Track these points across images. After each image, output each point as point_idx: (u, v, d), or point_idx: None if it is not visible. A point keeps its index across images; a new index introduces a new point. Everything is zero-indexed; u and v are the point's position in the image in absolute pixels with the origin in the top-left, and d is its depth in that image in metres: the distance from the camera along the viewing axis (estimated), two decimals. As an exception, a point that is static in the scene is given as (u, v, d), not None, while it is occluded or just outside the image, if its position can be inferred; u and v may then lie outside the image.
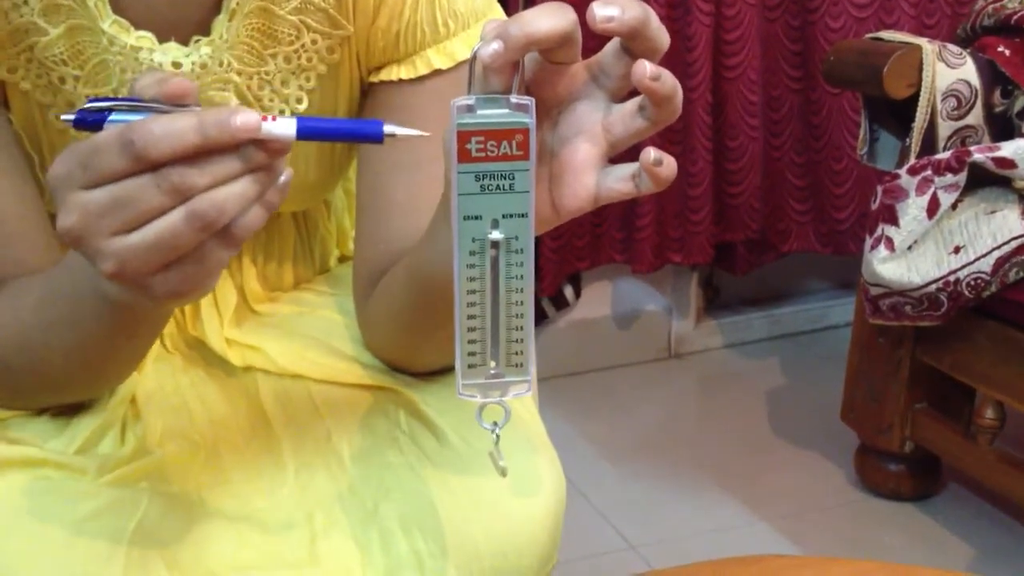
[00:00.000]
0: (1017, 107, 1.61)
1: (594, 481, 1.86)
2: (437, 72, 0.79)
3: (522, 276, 0.59)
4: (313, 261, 0.97)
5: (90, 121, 0.55)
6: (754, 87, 2.09)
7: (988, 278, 1.48)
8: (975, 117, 1.60)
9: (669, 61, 0.58)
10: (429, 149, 0.70)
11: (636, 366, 2.29)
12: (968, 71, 1.59)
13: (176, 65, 0.75)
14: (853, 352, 1.78)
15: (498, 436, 0.64)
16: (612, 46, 0.60)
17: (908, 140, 1.59)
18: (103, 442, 0.78)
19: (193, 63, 0.76)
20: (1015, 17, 1.62)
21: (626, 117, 0.60)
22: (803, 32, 2.09)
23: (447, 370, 0.82)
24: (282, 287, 0.95)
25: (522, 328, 0.60)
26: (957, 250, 1.49)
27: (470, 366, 0.60)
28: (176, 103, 0.55)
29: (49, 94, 0.77)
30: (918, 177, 1.52)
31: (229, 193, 0.53)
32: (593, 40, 0.58)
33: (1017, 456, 1.61)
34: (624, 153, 0.62)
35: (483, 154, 0.57)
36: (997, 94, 1.61)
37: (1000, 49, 1.62)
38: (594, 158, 0.61)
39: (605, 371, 2.26)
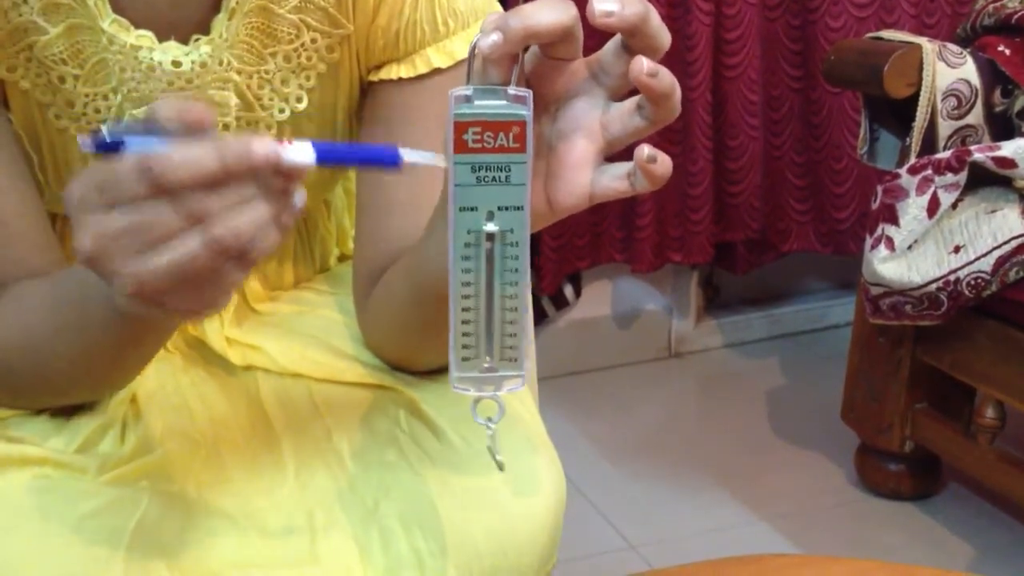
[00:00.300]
0: (1017, 106, 1.61)
1: (594, 480, 1.86)
2: (437, 71, 0.79)
3: (517, 269, 0.59)
4: (313, 260, 0.97)
5: (109, 146, 0.54)
6: (754, 86, 2.09)
7: (988, 277, 1.48)
8: (975, 116, 1.60)
9: (669, 60, 0.58)
10: (429, 146, 0.70)
11: (636, 365, 2.29)
12: (968, 70, 1.59)
13: (176, 64, 0.75)
14: (853, 352, 1.78)
15: (492, 430, 0.64)
16: (613, 44, 0.60)
17: (908, 140, 1.59)
18: (103, 441, 0.78)
19: (193, 62, 0.76)
20: (1015, 16, 1.62)
21: (624, 115, 0.60)
22: (803, 31, 2.09)
23: (447, 369, 0.82)
24: (282, 286, 0.95)
25: (516, 322, 0.60)
26: (957, 249, 1.49)
27: (464, 359, 0.61)
28: (194, 130, 0.54)
29: (48, 93, 0.77)
30: (918, 177, 1.52)
31: (246, 218, 0.53)
32: (593, 39, 0.58)
33: (1017, 456, 1.61)
34: (621, 153, 0.62)
35: (480, 145, 0.57)
36: (997, 93, 1.61)
37: (1000, 48, 1.62)
38: (590, 155, 0.61)
39: (605, 371, 2.26)
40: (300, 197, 0.55)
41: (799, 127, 2.15)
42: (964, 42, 1.69)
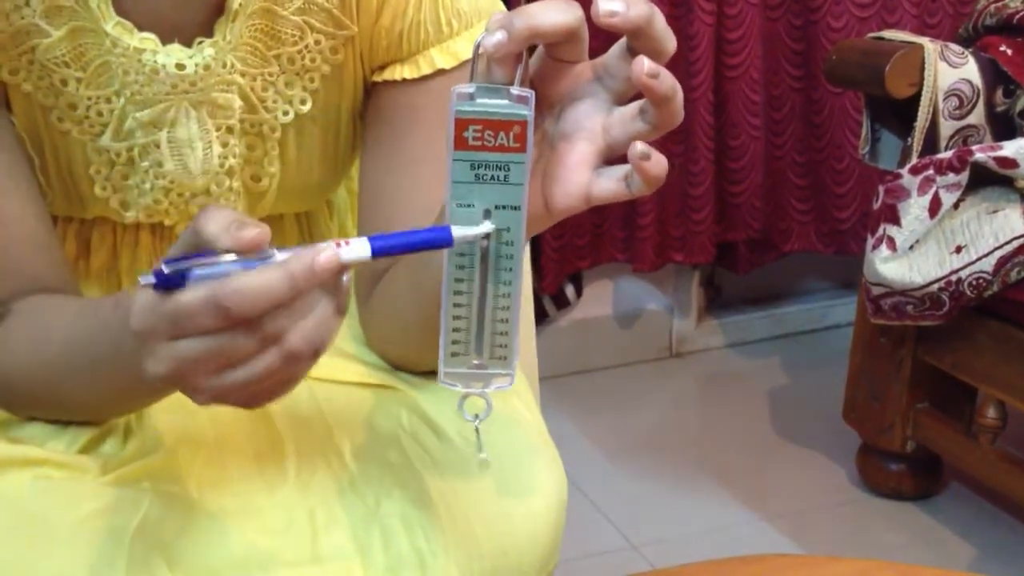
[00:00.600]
0: (1019, 106, 1.61)
1: (595, 480, 1.86)
2: (440, 72, 0.79)
3: (511, 269, 0.59)
4: (315, 260, 0.97)
5: (172, 280, 0.54)
6: (756, 86, 2.09)
7: (990, 278, 1.48)
8: (977, 116, 1.60)
9: (670, 60, 0.58)
10: (432, 148, 0.70)
11: (637, 365, 2.29)
12: (970, 70, 1.59)
13: (180, 67, 0.75)
14: (855, 352, 1.78)
15: (478, 429, 0.64)
16: (618, 47, 0.60)
17: (910, 140, 1.59)
18: (106, 443, 0.79)
19: (196, 65, 0.76)
20: (1017, 16, 1.62)
21: (626, 119, 0.60)
22: (805, 31, 2.09)
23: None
24: (284, 286, 0.95)
25: (507, 321, 0.60)
26: (959, 250, 1.49)
27: (453, 354, 0.61)
28: (253, 251, 0.55)
29: (51, 96, 0.77)
30: (920, 177, 1.52)
31: (314, 322, 0.55)
32: (598, 40, 0.58)
33: (1019, 455, 1.61)
34: (621, 157, 0.62)
35: (480, 143, 0.57)
36: (999, 93, 1.61)
37: (1002, 48, 1.62)
38: (589, 157, 0.61)
39: (606, 370, 2.26)
40: (348, 278, 0.57)
41: (801, 127, 2.15)
42: (966, 42, 1.69)
